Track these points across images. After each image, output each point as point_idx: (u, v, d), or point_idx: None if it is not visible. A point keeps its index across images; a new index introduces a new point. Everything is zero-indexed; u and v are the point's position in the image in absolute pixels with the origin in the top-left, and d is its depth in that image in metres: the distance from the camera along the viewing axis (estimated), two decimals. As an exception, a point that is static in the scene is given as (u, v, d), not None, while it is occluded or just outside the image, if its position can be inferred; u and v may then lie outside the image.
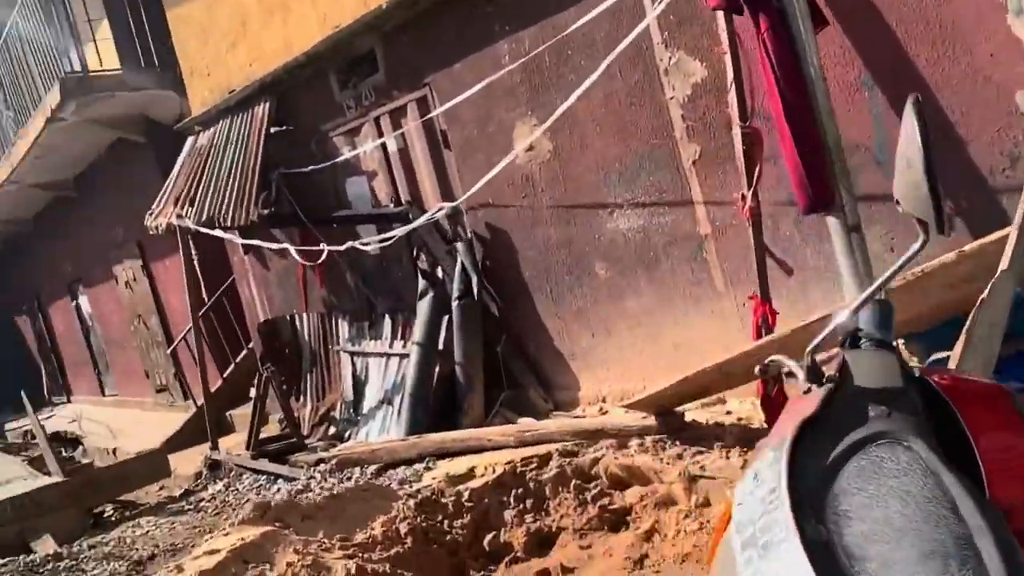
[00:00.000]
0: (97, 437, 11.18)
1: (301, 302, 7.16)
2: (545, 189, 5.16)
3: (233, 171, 6.49)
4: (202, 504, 6.08)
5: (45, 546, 5.71)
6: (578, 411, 5.19)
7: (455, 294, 5.57)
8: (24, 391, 19.02)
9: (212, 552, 3.18)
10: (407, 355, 6.09)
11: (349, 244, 5.87)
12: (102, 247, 11.76)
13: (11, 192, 11.79)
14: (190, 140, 7.53)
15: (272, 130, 6.50)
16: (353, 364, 6.55)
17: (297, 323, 7.20)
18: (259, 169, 6.36)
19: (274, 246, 5.81)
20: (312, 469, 5.85)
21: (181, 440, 8.53)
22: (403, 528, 3.60)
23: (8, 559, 5.13)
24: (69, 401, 16.34)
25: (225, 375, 8.85)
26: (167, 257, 10.02)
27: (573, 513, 3.57)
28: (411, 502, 3.81)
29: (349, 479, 5.53)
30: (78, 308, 14.17)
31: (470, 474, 4.18)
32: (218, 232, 6.19)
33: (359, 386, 6.49)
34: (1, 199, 12.25)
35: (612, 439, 3.95)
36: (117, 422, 11.80)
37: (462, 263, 5.57)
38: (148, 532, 5.61)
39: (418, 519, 3.67)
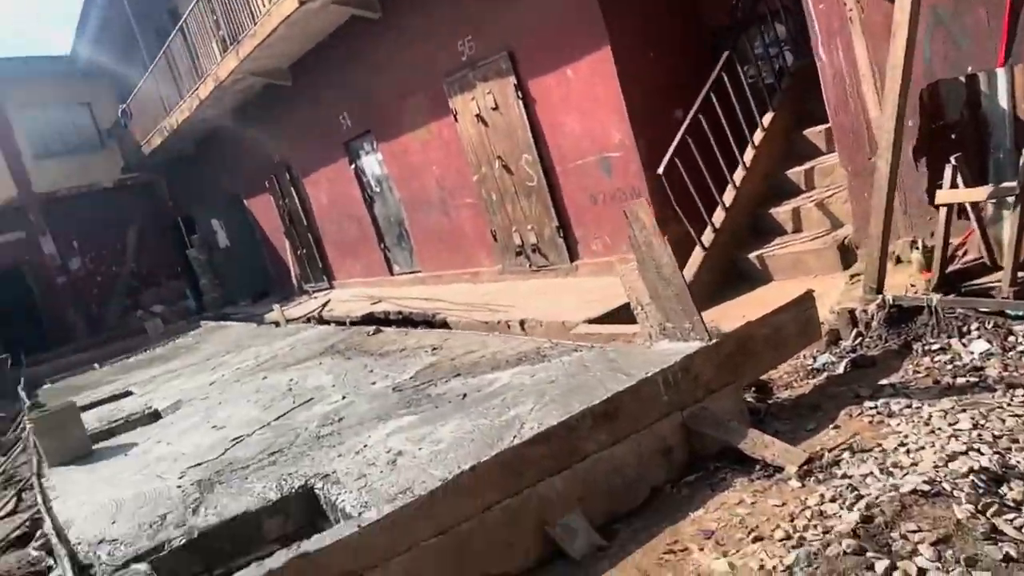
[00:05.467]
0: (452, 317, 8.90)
1: (998, 48, 4.37)
2: None
3: None
4: (997, 378, 3.54)
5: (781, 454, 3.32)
6: None
7: None
8: (262, 281, 17.60)
9: None
10: None
11: None
12: (425, 75, 9.30)
13: (311, 12, 9.41)
14: None
15: None
16: None
17: (985, 85, 4.43)
18: None
19: None
20: None
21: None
22: None
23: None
24: (331, 287, 14.51)
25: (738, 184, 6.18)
26: (563, 66, 7.42)
27: None
28: None
29: None
30: (359, 172, 11.96)
31: None
32: None
33: None
34: (295, 25, 9.92)
35: None
36: (461, 298, 9.58)
37: None
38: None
39: None
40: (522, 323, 7.32)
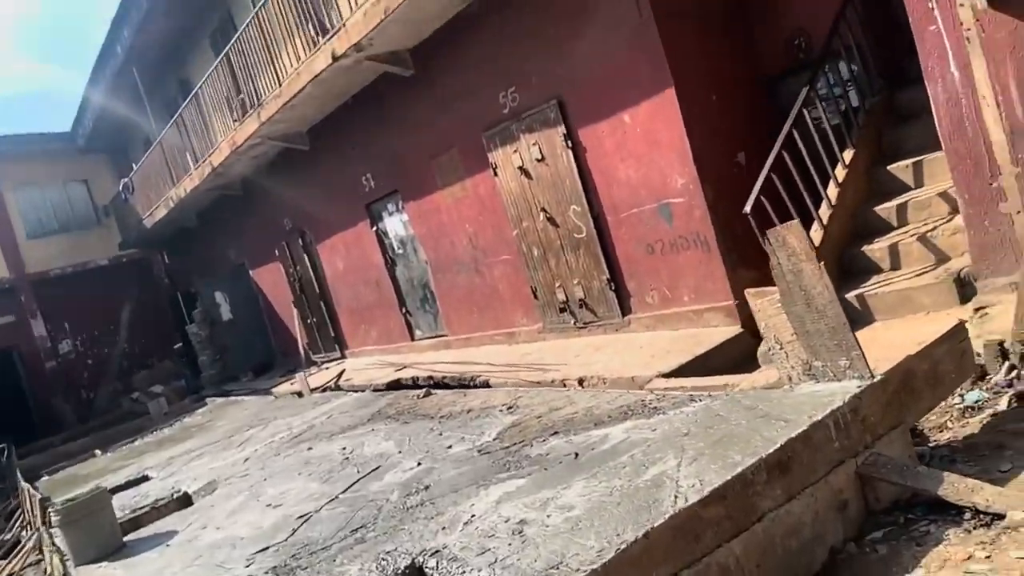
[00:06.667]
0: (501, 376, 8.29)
1: None
2: None
3: None
4: None
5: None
6: None
7: None
8: (265, 354, 16.92)
9: None
10: None
11: None
12: (461, 130, 8.99)
13: (343, 69, 9.13)
14: None
15: None
16: None
17: None
18: None
19: None
20: None
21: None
22: None
23: None
24: (343, 356, 13.90)
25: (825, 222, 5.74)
26: (619, 111, 7.11)
27: None
28: None
29: None
30: (381, 234, 11.53)
31: None
32: None
33: None
34: (324, 83, 9.63)
35: None
36: (499, 359, 8.96)
37: None
38: None
39: None
40: (581, 380, 6.75)
